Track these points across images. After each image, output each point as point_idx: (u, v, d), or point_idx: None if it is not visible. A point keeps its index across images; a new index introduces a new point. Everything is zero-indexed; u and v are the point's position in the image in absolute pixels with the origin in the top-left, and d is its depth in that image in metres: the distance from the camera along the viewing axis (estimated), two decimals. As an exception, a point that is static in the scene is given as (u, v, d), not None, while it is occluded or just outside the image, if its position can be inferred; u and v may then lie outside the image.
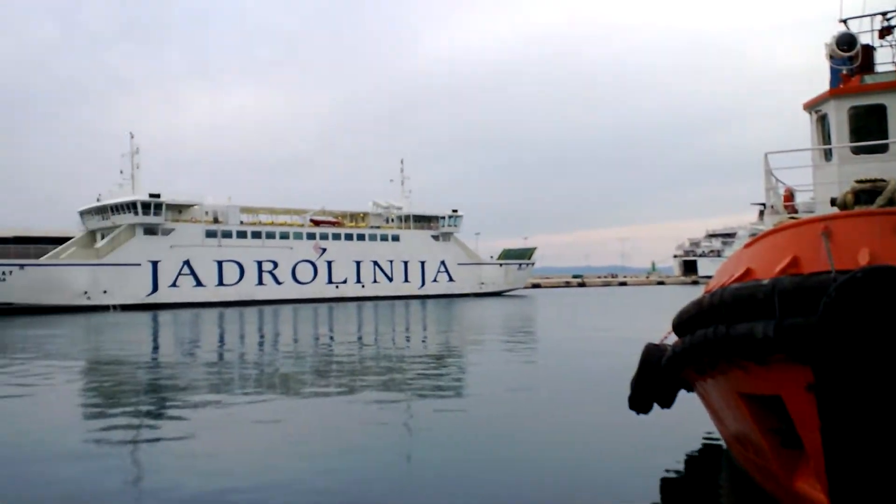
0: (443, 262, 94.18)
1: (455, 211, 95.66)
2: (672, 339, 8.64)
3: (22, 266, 68.42)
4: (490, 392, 16.83)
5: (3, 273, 66.59)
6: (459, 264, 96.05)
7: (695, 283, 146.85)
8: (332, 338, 35.91)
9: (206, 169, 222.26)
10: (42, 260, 72.58)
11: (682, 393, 9.43)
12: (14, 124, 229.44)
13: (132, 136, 76.18)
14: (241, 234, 79.38)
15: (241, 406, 16.16)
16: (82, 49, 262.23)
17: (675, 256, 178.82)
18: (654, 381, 8.87)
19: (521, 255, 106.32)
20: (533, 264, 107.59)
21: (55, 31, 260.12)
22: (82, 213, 78.88)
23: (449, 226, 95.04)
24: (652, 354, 8.92)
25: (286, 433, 13.22)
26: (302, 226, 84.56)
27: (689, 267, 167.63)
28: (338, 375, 20.50)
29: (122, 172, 75.97)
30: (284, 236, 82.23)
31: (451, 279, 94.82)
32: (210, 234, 77.19)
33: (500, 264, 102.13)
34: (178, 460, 11.30)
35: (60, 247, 78.32)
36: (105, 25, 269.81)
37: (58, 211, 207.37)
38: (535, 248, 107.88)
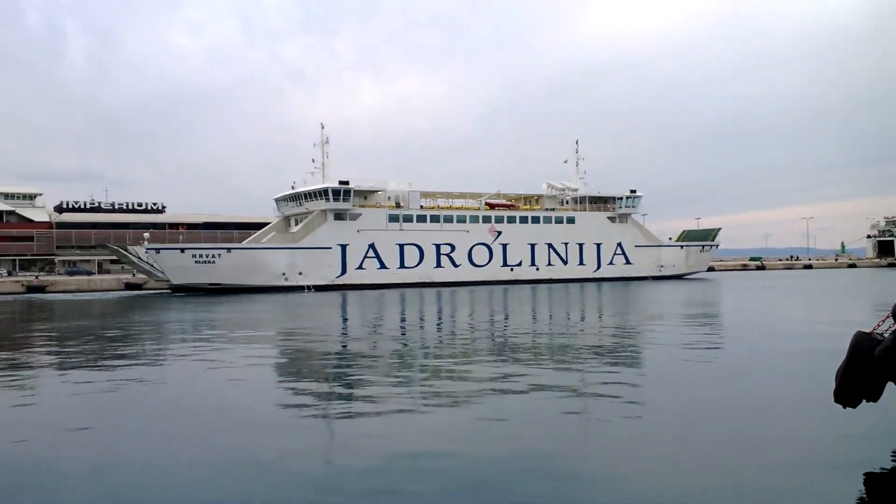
0: (619, 245, 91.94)
1: (633, 191, 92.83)
2: (887, 327, 8.03)
3: (229, 249, 75.74)
4: (674, 380, 16.33)
5: (214, 256, 73.90)
6: (637, 246, 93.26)
7: (891, 265, 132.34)
8: (507, 319, 36.39)
9: (376, 155, 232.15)
10: (246, 244, 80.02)
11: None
12: (199, 118, 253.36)
13: (323, 127, 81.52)
14: (421, 219, 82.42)
15: (427, 383, 16.65)
16: (262, 44, 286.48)
17: (869, 237, 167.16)
18: (866, 373, 8.27)
19: (703, 237, 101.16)
20: (717, 246, 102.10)
21: (237, 28, 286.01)
22: (278, 200, 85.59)
23: (627, 207, 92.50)
24: (863, 343, 8.32)
25: (473, 414, 13.16)
26: (478, 209, 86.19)
27: (885, 248, 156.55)
28: (515, 357, 20.69)
29: (313, 161, 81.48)
30: (461, 220, 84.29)
31: (627, 262, 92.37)
32: (392, 219, 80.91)
33: (681, 246, 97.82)
34: (368, 438, 11.43)
35: (259, 231, 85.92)
36: (282, 20, 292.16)
37: (229, 197, 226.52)
38: (718, 229, 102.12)
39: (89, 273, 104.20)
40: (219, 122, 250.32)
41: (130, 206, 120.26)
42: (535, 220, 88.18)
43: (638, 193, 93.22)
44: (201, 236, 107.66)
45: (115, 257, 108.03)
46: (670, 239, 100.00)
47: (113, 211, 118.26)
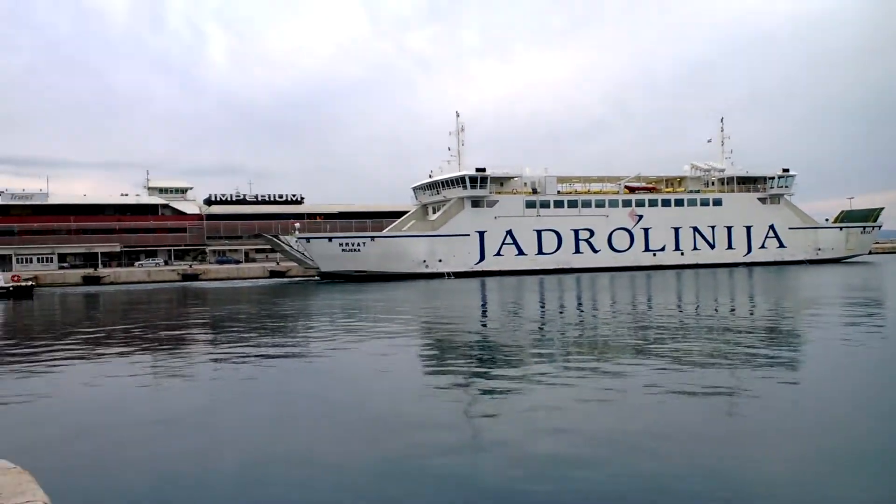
0: (771, 227, 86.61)
1: (786, 170, 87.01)
2: None
3: (373, 238, 77.50)
4: (832, 376, 15.08)
5: (359, 244, 75.85)
6: (791, 228, 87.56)
7: None
8: (651, 306, 35.04)
9: (503, 141, 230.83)
10: (387, 232, 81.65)
11: None
12: (331, 111, 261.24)
13: (458, 115, 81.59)
14: (559, 204, 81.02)
15: (568, 370, 16.12)
16: (389, 35, 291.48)
17: None
18: None
19: (864, 217, 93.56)
20: (879, 227, 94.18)
21: (364, 21, 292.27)
22: (415, 189, 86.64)
23: (779, 187, 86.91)
24: None
25: (614, 404, 12.80)
26: (617, 193, 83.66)
27: None
28: (661, 349, 19.52)
29: (449, 149, 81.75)
30: (600, 204, 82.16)
31: (781, 245, 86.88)
32: (529, 205, 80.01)
33: (840, 228, 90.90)
34: (514, 424, 11.35)
35: (398, 220, 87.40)
36: (409, 11, 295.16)
37: (361, 187, 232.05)
38: (881, 209, 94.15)
39: (237, 262, 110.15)
40: (349, 114, 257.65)
41: (272, 198, 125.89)
42: (679, 202, 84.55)
43: (791, 172, 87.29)
44: (337, 226, 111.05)
45: (261, 246, 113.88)
46: (827, 220, 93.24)
47: (256, 203, 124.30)
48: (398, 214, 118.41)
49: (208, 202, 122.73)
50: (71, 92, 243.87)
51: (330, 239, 76.38)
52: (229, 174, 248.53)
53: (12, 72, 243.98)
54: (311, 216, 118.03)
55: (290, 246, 76.24)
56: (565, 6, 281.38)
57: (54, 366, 20.18)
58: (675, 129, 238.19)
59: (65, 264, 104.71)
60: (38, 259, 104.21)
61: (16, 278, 71.09)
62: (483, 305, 39.96)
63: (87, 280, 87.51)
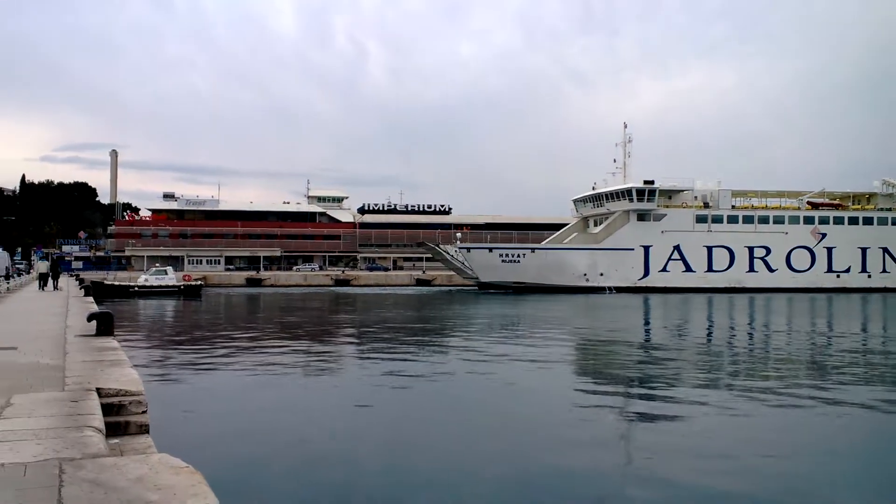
0: (973, 249, 77.79)
1: None
2: None
3: (533, 250, 76.31)
4: None
5: (519, 256, 74.87)
6: None
7: None
8: (831, 334, 32.41)
9: (658, 154, 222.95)
10: (547, 244, 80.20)
11: None
12: (482, 123, 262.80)
13: (626, 126, 79.13)
14: (732, 219, 76.51)
15: (733, 398, 15.14)
16: (544, 48, 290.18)
17: None
18: None
19: None
20: None
21: (518, 33, 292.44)
22: (576, 201, 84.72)
23: None
24: None
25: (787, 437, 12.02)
26: (798, 209, 77.97)
27: None
28: (838, 385, 17.79)
29: (615, 161, 79.40)
30: (779, 220, 76.82)
31: (984, 270, 77.78)
32: (700, 220, 76.09)
33: None
34: (671, 453, 10.84)
35: (558, 232, 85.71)
36: (564, 22, 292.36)
37: (508, 198, 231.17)
38: None
39: (386, 269, 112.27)
40: (499, 127, 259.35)
41: (421, 208, 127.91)
42: (868, 220, 77.62)
43: None
44: (485, 237, 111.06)
45: (409, 254, 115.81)
46: None
47: (406, 212, 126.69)
48: (545, 226, 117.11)
49: (361, 211, 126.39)
50: (241, 106, 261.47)
51: (490, 249, 75.97)
52: (382, 184, 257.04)
53: (194, 89, 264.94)
54: (458, 226, 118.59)
55: (451, 255, 76.41)
56: (725, 16, 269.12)
57: (217, 363, 20.85)
58: (850, 142, 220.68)
59: (231, 266, 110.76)
60: (206, 261, 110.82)
61: (187, 278, 75.52)
62: (646, 324, 38.27)
63: (250, 282, 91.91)
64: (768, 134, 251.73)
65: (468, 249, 75.69)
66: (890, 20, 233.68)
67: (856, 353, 24.02)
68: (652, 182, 75.00)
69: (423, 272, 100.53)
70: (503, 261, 74.35)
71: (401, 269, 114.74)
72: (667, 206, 76.69)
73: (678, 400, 15.01)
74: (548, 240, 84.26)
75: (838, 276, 76.67)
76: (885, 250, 77.26)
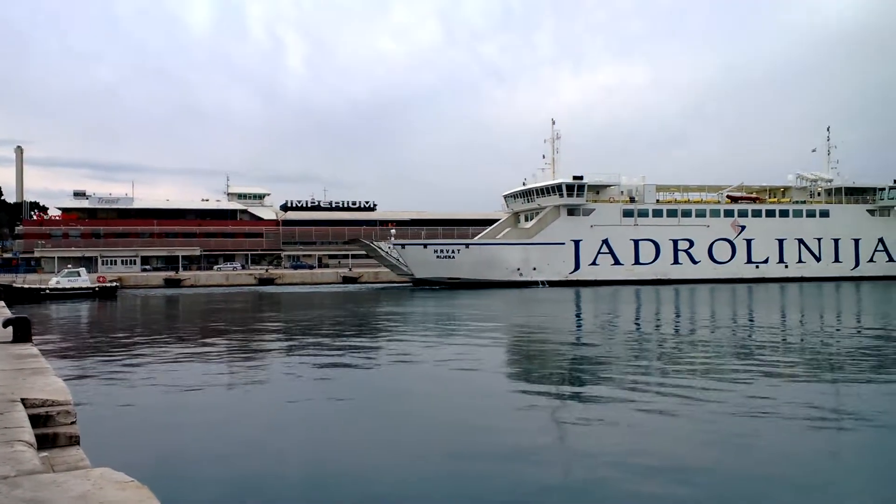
0: (881, 240, 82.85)
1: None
2: None
3: (468, 245, 76.09)
4: None
5: (453, 251, 74.50)
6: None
7: None
8: (753, 322, 33.60)
9: (578, 150, 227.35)
10: (480, 239, 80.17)
11: None
12: (403, 120, 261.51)
13: (553, 123, 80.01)
14: (657, 213, 78.63)
15: (664, 392, 15.26)
16: (462, 44, 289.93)
17: None
18: None
19: None
20: None
21: (439, 30, 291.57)
22: (507, 197, 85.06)
23: (889, 198, 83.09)
24: None
25: (714, 426, 12.19)
26: (718, 203, 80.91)
27: None
28: (763, 369, 18.44)
29: (543, 157, 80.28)
30: (700, 214, 79.49)
31: (890, 259, 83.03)
32: (627, 214, 77.81)
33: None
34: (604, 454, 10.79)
35: (490, 228, 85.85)
36: (482, 20, 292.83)
37: (433, 195, 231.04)
38: None
39: (311, 267, 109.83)
40: (422, 123, 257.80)
41: (346, 205, 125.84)
42: (784, 213, 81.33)
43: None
44: (408, 233, 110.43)
45: (333, 252, 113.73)
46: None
47: (331, 209, 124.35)
48: (472, 222, 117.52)
49: (284, 208, 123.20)
50: (155, 102, 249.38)
51: (425, 245, 75.27)
52: (305, 181, 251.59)
53: (102, 83, 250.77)
54: (384, 223, 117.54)
55: (386, 251, 75.27)
56: (641, 13, 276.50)
57: (141, 369, 20.16)
58: (764, 138, 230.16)
59: (147, 267, 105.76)
60: (122, 261, 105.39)
61: (101, 279, 71.65)
62: (578, 316, 38.86)
63: (169, 283, 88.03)
64: (683, 132, 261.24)
65: (403, 246, 74.73)
66: (812, 8, 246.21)
67: (778, 341, 24.89)
68: (581, 177, 76.04)
69: (350, 269, 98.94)
70: (438, 256, 73.78)
71: (326, 266, 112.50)
72: (595, 201, 78.02)
73: (612, 398, 14.96)
74: (480, 235, 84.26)
75: (757, 267, 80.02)
76: (801, 241, 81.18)
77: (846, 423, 12.78)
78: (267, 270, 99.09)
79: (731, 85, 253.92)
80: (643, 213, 78.23)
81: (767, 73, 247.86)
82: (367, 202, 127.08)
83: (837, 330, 29.93)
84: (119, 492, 4.08)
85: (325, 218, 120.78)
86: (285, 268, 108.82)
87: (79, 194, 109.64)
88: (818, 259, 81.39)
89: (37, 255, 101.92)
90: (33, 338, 12.94)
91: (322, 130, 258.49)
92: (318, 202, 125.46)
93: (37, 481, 4.33)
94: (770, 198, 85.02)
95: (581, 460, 10.68)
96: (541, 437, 11.89)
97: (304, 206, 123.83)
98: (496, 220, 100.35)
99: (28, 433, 5.65)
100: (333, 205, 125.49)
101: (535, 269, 75.24)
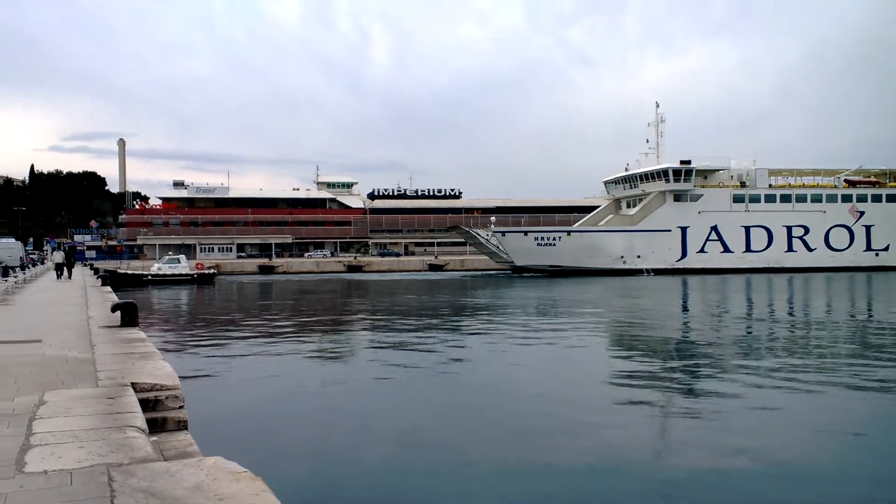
0: None
1: None
2: None
3: (569, 233, 74.49)
4: None
5: (554, 239, 73.00)
6: None
7: None
8: (871, 313, 31.56)
9: (671, 133, 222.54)
10: (580, 226, 78.42)
11: None
12: (487, 107, 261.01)
13: (657, 106, 77.22)
14: (770, 199, 75.21)
15: (776, 386, 14.35)
16: (547, 29, 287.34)
17: None
18: None
19: None
20: None
21: (522, 16, 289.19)
22: (607, 183, 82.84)
23: None
24: None
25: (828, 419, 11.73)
26: (835, 187, 76.84)
27: None
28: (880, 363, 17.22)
29: (647, 141, 77.61)
30: (816, 199, 75.66)
31: None
32: (738, 199, 74.70)
33: None
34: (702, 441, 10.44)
35: (590, 215, 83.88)
36: (567, 4, 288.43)
37: (515, 182, 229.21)
38: None
39: (397, 255, 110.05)
40: (506, 110, 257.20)
41: (431, 193, 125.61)
42: (906, 198, 76.63)
43: None
44: (506, 220, 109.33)
45: (419, 240, 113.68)
46: None
47: (416, 197, 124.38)
48: (558, 209, 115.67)
49: (371, 196, 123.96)
50: (245, 93, 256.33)
51: (525, 233, 74.09)
52: (391, 170, 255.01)
53: (194, 76, 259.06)
54: (469, 210, 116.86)
55: (485, 239, 74.43)
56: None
57: (243, 352, 19.87)
58: (854, 119, 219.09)
59: (242, 254, 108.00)
60: (218, 248, 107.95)
61: (200, 266, 73.16)
62: (684, 306, 37.24)
63: (263, 269, 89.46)
64: (771, 110, 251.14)
65: (503, 233, 73.75)
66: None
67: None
68: (689, 162, 73.34)
69: (436, 257, 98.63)
70: (538, 244, 72.48)
71: (412, 254, 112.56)
72: (703, 187, 75.14)
73: (720, 392, 13.94)
74: (580, 222, 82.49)
75: (877, 255, 75.82)
76: (924, 228, 76.37)
77: None
78: (355, 258, 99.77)
79: (818, 65, 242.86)
80: (755, 199, 74.93)
81: (853, 51, 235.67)
82: (452, 190, 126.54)
83: None
84: (233, 483, 4.00)
85: (410, 206, 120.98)
86: (372, 255, 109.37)
87: (178, 184, 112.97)
88: (945, 246, 76.36)
89: (139, 242, 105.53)
90: (139, 322, 13.27)
91: (406, 119, 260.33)
92: (404, 190, 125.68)
93: (150, 470, 4.30)
94: (890, 182, 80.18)
95: (681, 457, 10.02)
96: (643, 433, 11.33)
97: (391, 194, 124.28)
98: (587, 207, 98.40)
99: (140, 418, 5.68)
100: (419, 193, 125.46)
101: (639, 256, 73.12)
